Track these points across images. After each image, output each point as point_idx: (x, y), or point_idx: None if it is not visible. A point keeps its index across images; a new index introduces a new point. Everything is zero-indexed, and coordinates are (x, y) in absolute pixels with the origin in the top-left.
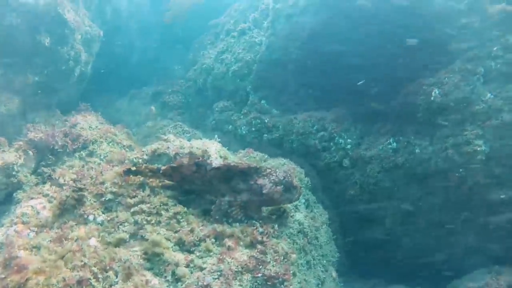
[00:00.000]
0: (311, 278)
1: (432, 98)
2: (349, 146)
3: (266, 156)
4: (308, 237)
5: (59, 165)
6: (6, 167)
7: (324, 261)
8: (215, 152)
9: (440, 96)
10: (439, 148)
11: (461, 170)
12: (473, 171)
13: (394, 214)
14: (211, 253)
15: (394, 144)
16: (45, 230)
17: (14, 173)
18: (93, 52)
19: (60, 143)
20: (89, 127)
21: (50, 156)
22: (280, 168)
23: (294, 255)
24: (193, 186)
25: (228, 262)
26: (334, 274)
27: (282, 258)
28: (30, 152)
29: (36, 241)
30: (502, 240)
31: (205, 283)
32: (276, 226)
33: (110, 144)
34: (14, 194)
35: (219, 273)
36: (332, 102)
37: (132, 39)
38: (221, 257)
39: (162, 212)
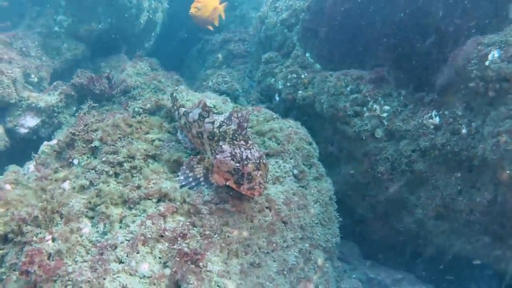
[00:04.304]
0: (270, 262)
1: (487, 63)
2: (385, 115)
3: (275, 116)
4: (283, 215)
5: (97, 109)
6: (48, 108)
7: (306, 245)
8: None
9: (500, 60)
10: (490, 132)
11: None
12: None
13: (427, 205)
14: (144, 214)
15: (437, 118)
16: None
17: (55, 114)
18: None
19: (98, 88)
20: (137, 73)
21: (89, 100)
22: (280, 133)
23: (236, 232)
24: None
25: (145, 227)
26: (320, 261)
27: (214, 234)
28: (72, 96)
29: (24, 178)
30: None
31: (112, 242)
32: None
33: (153, 90)
34: (55, 133)
35: (131, 235)
36: (376, 60)
37: None
38: (144, 220)
39: (125, 164)
